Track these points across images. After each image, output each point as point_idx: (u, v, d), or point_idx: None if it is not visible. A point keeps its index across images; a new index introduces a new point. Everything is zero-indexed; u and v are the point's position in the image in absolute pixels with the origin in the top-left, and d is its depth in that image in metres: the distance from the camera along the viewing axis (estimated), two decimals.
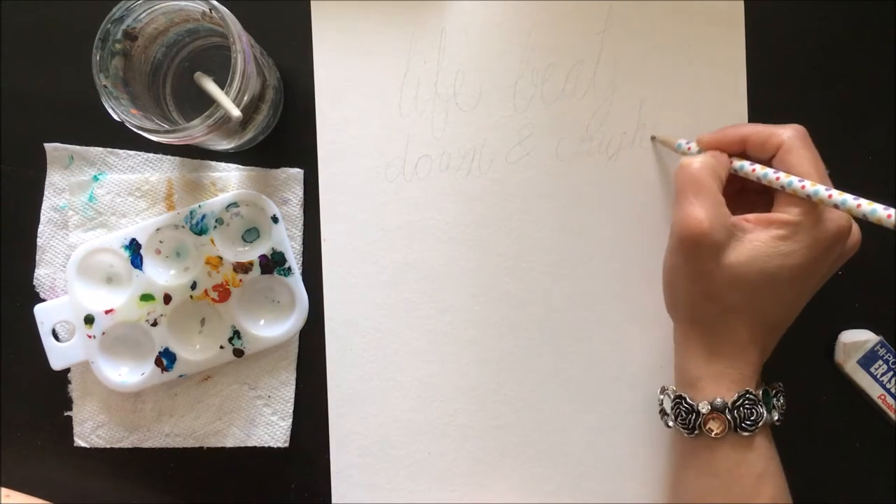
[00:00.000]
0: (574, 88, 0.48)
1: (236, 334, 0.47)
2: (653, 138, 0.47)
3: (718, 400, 0.39)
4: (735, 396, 0.39)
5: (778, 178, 0.38)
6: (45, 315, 0.47)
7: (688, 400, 0.40)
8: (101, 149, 0.48)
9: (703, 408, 0.39)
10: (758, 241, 0.38)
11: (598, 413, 0.48)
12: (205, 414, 0.48)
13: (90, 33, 0.39)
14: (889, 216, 0.34)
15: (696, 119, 0.48)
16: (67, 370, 0.48)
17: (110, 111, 0.39)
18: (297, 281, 0.47)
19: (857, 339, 0.47)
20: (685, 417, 0.40)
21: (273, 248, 0.47)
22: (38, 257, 0.48)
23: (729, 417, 0.39)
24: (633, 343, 0.48)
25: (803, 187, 0.37)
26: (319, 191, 0.48)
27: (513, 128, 0.48)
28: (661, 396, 0.43)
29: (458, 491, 0.48)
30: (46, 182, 0.48)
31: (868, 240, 0.48)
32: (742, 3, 0.48)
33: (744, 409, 0.39)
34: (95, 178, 0.48)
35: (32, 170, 0.48)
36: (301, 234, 0.48)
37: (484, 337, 0.48)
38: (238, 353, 0.47)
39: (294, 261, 0.47)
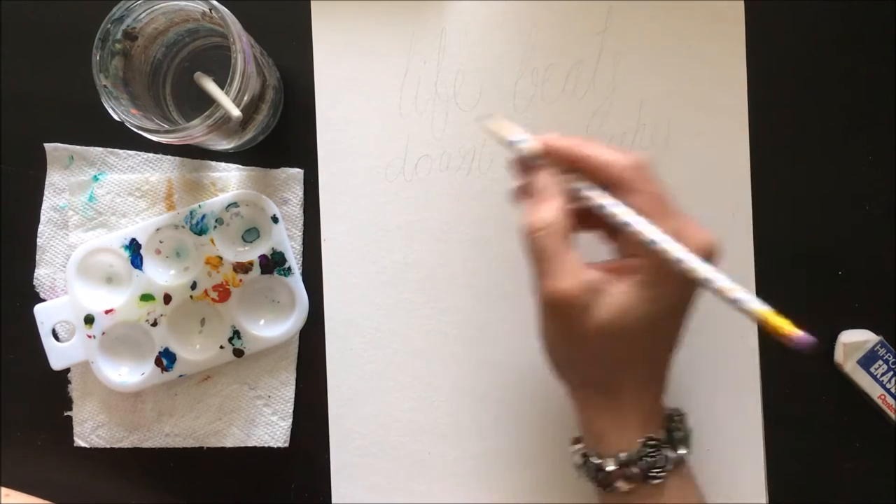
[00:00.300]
0: (574, 88, 0.48)
1: (236, 334, 0.47)
2: (482, 122, 0.40)
3: (623, 455, 0.38)
4: (639, 447, 0.38)
5: (621, 215, 0.36)
6: (45, 315, 0.47)
7: (593, 459, 0.39)
8: (101, 149, 0.48)
9: (610, 466, 0.38)
10: (622, 293, 0.36)
11: None
12: (205, 414, 0.48)
13: (90, 33, 0.39)
14: (707, 281, 0.33)
15: (696, 119, 0.48)
16: (67, 370, 0.48)
17: (110, 111, 0.39)
18: (297, 281, 0.47)
19: (856, 339, 0.47)
20: (595, 475, 0.39)
21: (273, 248, 0.47)
22: (38, 257, 0.48)
23: (636, 470, 0.38)
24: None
25: (645, 233, 0.35)
26: (319, 191, 0.48)
27: None
28: (571, 449, 0.42)
29: (458, 491, 0.48)
30: (46, 182, 0.48)
31: (868, 240, 0.48)
32: (742, 3, 0.48)
33: (649, 458, 0.38)
34: (95, 178, 0.48)
35: (32, 170, 0.48)
36: (301, 234, 0.48)
37: (484, 337, 0.48)
38: (238, 353, 0.47)
39: (294, 261, 0.47)
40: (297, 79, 0.48)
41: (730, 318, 0.47)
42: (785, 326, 0.31)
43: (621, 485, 0.38)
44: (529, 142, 0.38)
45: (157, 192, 0.48)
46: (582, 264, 0.37)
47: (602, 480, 0.39)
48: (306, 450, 0.49)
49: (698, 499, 0.40)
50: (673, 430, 0.40)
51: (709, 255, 0.36)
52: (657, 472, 0.38)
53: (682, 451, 0.39)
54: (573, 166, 0.38)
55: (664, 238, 0.35)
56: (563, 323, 0.38)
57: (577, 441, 0.42)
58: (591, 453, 0.40)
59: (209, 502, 0.49)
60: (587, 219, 0.39)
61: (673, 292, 0.37)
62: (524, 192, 0.40)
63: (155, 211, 0.48)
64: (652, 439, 0.38)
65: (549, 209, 0.37)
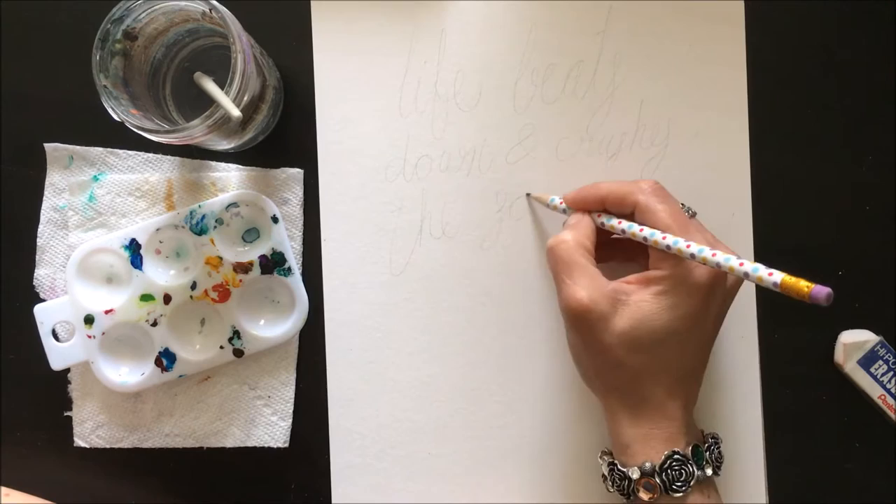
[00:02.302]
0: (574, 88, 0.48)
1: (236, 334, 0.47)
2: (528, 195, 0.48)
3: (647, 464, 0.39)
4: (662, 458, 0.39)
5: (642, 230, 0.39)
6: (45, 315, 0.47)
7: (619, 467, 0.40)
8: (101, 149, 0.48)
9: (634, 474, 0.39)
10: (642, 301, 0.38)
11: (598, 413, 0.48)
12: (205, 414, 0.48)
13: (90, 33, 0.39)
14: (741, 265, 0.34)
15: (696, 119, 0.48)
16: (67, 370, 0.48)
17: (110, 111, 0.39)
18: (297, 281, 0.47)
19: (857, 340, 0.47)
20: (619, 483, 0.40)
21: (273, 248, 0.47)
22: (38, 257, 0.48)
23: (658, 481, 0.38)
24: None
25: (664, 238, 0.38)
26: (319, 191, 0.48)
27: (513, 128, 0.48)
28: (600, 461, 0.43)
29: (458, 491, 0.48)
30: (46, 182, 0.48)
31: (868, 240, 0.48)
32: (742, 3, 0.48)
33: (672, 470, 0.38)
34: (95, 178, 0.48)
35: (32, 170, 0.48)
36: (301, 234, 0.48)
37: (484, 337, 0.48)
38: (238, 353, 0.47)
39: (294, 261, 0.47)
40: (297, 79, 0.48)
41: (730, 318, 0.48)
42: (800, 284, 0.31)
43: (642, 494, 0.39)
44: (559, 199, 0.44)
45: (157, 192, 0.48)
46: (601, 276, 0.40)
47: (625, 489, 0.40)
48: (306, 450, 0.49)
49: None
50: (704, 450, 0.40)
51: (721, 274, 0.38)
52: (679, 486, 0.38)
53: (708, 472, 0.40)
54: (601, 206, 0.42)
55: (679, 239, 0.37)
56: (583, 331, 0.39)
57: (605, 454, 0.43)
58: (617, 461, 0.41)
59: (209, 502, 0.49)
60: (615, 252, 0.44)
61: (692, 300, 0.38)
62: None
63: (155, 211, 0.48)
64: (677, 454, 0.39)
65: (572, 229, 0.41)
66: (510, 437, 0.48)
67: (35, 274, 0.48)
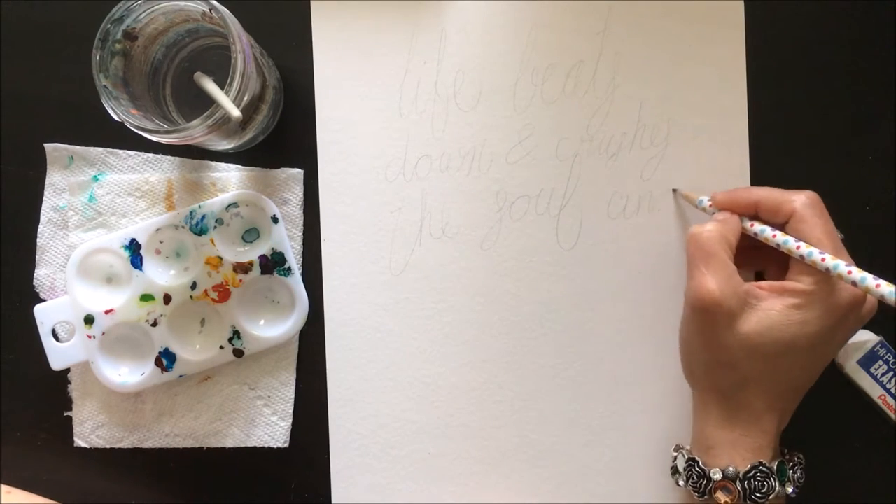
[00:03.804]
0: (574, 88, 0.48)
1: (236, 334, 0.47)
2: (675, 191, 0.47)
3: (731, 469, 0.39)
4: (748, 467, 0.38)
5: (798, 248, 0.38)
6: (45, 315, 0.47)
7: (700, 464, 0.40)
8: (101, 149, 0.48)
9: (715, 475, 0.39)
10: (772, 310, 0.38)
11: (598, 413, 0.48)
12: (205, 414, 0.48)
13: (90, 33, 0.39)
14: (877, 286, 0.34)
15: (696, 119, 0.48)
16: (67, 370, 0.48)
17: (110, 111, 0.39)
18: (297, 281, 0.47)
19: (857, 340, 0.47)
20: (696, 481, 0.40)
21: (273, 249, 0.47)
22: (38, 257, 0.48)
23: (739, 488, 0.38)
24: (632, 343, 0.48)
25: (823, 260, 0.37)
26: (319, 191, 0.48)
27: (513, 128, 0.48)
28: (675, 454, 0.43)
29: (458, 491, 0.48)
30: (46, 182, 0.48)
31: (868, 240, 0.48)
32: (742, 3, 0.48)
33: (755, 480, 0.38)
34: (95, 178, 0.48)
35: (32, 170, 0.48)
36: (301, 234, 0.48)
37: (484, 337, 0.48)
38: (238, 353, 0.47)
39: (294, 261, 0.47)
40: (297, 79, 0.48)
41: None
42: None
43: (720, 496, 0.39)
44: (707, 201, 0.44)
45: (157, 193, 0.48)
46: (738, 274, 0.39)
47: (702, 487, 0.39)
48: (306, 450, 0.49)
49: None
50: (788, 468, 0.40)
51: (861, 304, 0.38)
52: (759, 497, 0.38)
53: (788, 490, 0.40)
54: (752, 211, 0.41)
55: (840, 263, 0.36)
56: (705, 325, 0.39)
57: (681, 448, 0.43)
58: (699, 459, 0.40)
59: (209, 502, 0.49)
60: (746, 260, 0.42)
61: (826, 321, 0.38)
62: None
63: (155, 211, 0.48)
64: (763, 466, 0.39)
65: (716, 223, 0.40)
66: (510, 437, 0.48)
67: (35, 274, 0.48)
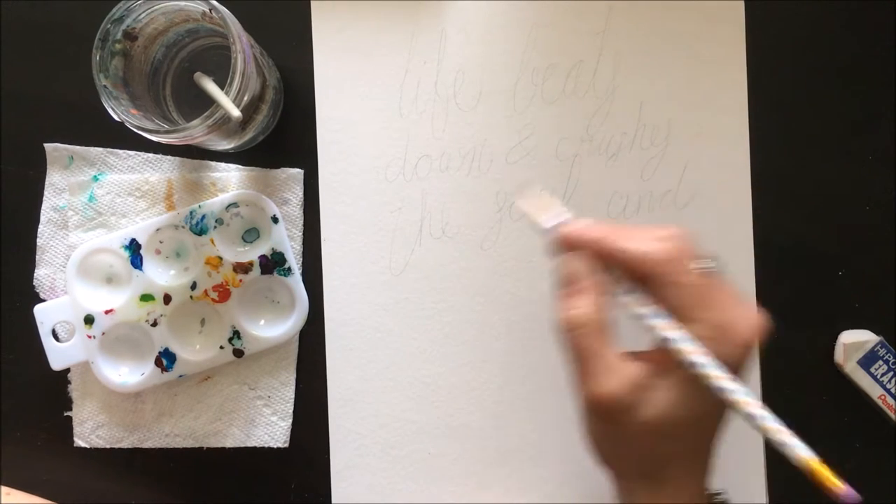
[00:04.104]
0: (574, 88, 0.48)
1: (236, 334, 0.47)
2: (518, 199, 0.42)
3: None
4: None
5: (661, 331, 0.34)
6: (45, 315, 0.47)
7: None
8: (101, 149, 0.48)
9: None
10: (669, 389, 0.34)
11: None
12: (205, 414, 0.48)
13: (90, 33, 0.39)
14: (755, 418, 0.32)
15: (696, 119, 0.48)
16: (67, 370, 0.48)
17: (110, 111, 0.39)
18: (297, 281, 0.47)
19: (857, 340, 0.47)
20: None
21: (273, 249, 0.47)
22: (38, 257, 0.48)
23: None
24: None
25: (689, 353, 0.33)
26: (319, 191, 0.48)
27: (513, 128, 0.48)
28: None
29: (458, 491, 0.48)
30: (46, 182, 0.48)
31: (868, 240, 0.48)
32: (742, 3, 0.48)
33: None
34: (95, 179, 0.48)
35: (32, 170, 0.48)
36: (301, 234, 0.48)
37: (484, 337, 0.48)
38: (238, 353, 0.47)
39: (294, 261, 0.47)
40: (297, 79, 0.48)
41: None
42: (830, 478, 0.30)
43: None
44: (563, 221, 0.37)
45: (157, 193, 0.48)
46: (623, 360, 0.35)
47: None
48: (306, 450, 0.49)
49: None
50: None
51: (751, 346, 0.34)
52: None
53: None
54: (607, 260, 0.36)
55: (700, 359, 0.33)
56: (608, 423, 0.36)
57: None
58: None
59: (209, 502, 0.49)
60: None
61: None
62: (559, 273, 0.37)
63: (155, 211, 0.48)
64: None
65: (584, 305, 0.35)
66: (510, 437, 0.48)
67: (35, 274, 0.48)
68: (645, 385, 0.35)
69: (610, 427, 0.36)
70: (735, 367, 0.34)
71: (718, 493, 0.42)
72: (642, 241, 0.35)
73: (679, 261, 0.34)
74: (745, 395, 0.32)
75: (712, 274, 0.35)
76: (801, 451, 0.31)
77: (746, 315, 0.34)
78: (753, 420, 0.32)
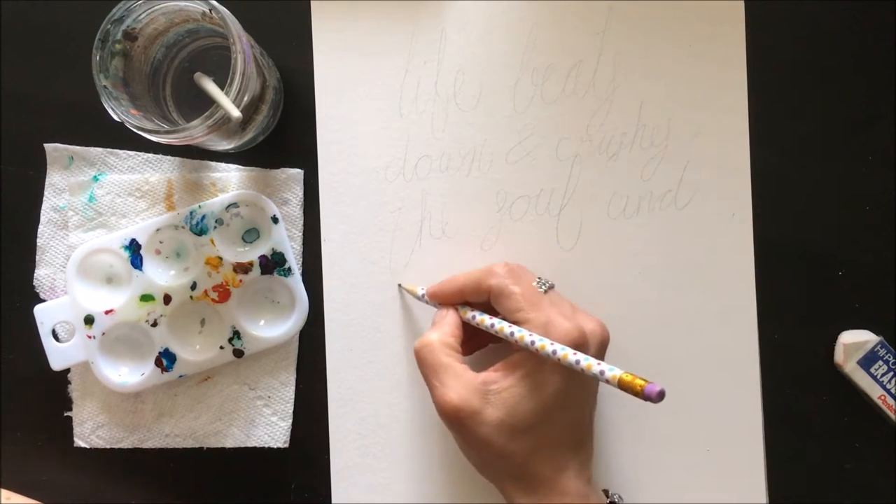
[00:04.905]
0: (574, 88, 0.48)
1: (236, 335, 0.47)
2: (399, 286, 0.48)
3: None
4: None
5: (502, 329, 0.40)
6: (45, 315, 0.47)
7: None
8: (101, 149, 0.48)
9: None
10: (510, 388, 0.39)
11: (598, 412, 0.48)
12: (205, 414, 0.48)
13: (90, 33, 0.39)
14: (577, 363, 0.36)
15: (696, 119, 0.48)
16: (67, 370, 0.48)
17: (110, 111, 0.39)
18: (297, 281, 0.47)
19: (857, 340, 0.47)
20: None
21: (273, 249, 0.47)
22: (38, 257, 0.48)
23: None
24: (631, 341, 0.48)
25: (522, 338, 0.39)
26: (319, 191, 0.48)
27: (513, 128, 0.48)
28: None
29: (458, 491, 0.48)
30: (46, 182, 0.48)
31: (868, 240, 0.48)
32: (742, 3, 0.48)
33: None
34: (95, 179, 0.48)
35: (32, 170, 0.48)
36: (301, 234, 0.48)
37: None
38: (238, 353, 0.47)
39: (294, 261, 0.47)
40: (297, 79, 0.48)
41: (730, 318, 0.48)
42: (635, 382, 0.34)
43: None
44: (426, 292, 0.45)
45: (157, 193, 0.48)
46: (468, 372, 0.40)
47: None
48: (306, 450, 0.49)
49: None
50: None
51: (579, 341, 0.39)
52: None
53: None
54: (462, 299, 0.44)
55: (533, 336, 0.39)
56: (461, 430, 0.40)
57: None
58: None
59: (209, 502, 0.49)
60: (488, 337, 0.44)
61: (556, 377, 0.39)
62: None
63: (155, 211, 0.48)
64: None
65: (434, 331, 0.42)
66: None
67: (35, 274, 0.48)
68: (489, 390, 0.39)
69: (465, 433, 0.40)
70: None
71: (613, 494, 0.44)
72: (481, 269, 0.43)
73: (513, 273, 0.42)
74: (562, 349, 0.37)
75: (548, 290, 0.42)
76: (613, 371, 0.35)
77: (564, 321, 0.39)
78: (578, 365, 0.37)
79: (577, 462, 0.40)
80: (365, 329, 0.48)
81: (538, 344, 0.38)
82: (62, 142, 0.48)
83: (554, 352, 0.37)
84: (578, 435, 0.41)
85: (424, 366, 0.41)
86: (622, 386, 0.34)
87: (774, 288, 0.48)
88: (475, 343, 0.46)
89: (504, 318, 0.41)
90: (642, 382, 0.33)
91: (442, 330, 0.42)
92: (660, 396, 0.33)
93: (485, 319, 0.42)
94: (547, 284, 0.43)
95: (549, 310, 0.40)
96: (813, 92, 0.48)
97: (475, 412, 0.39)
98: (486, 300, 0.42)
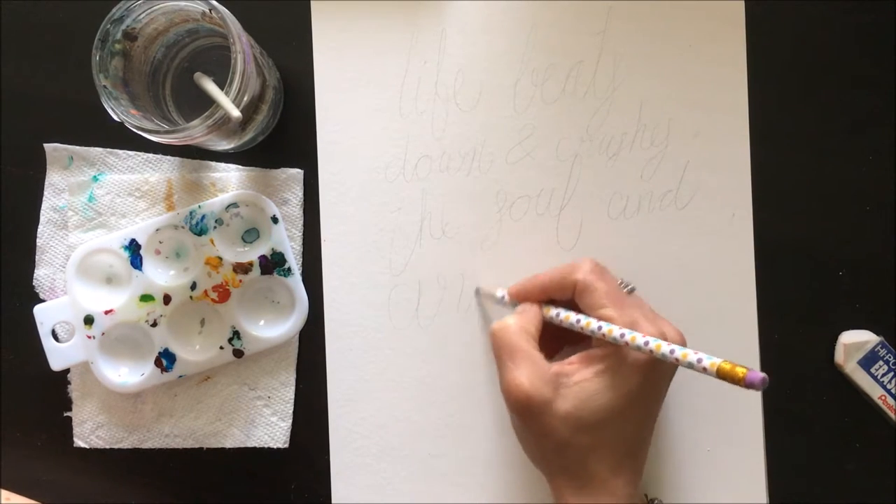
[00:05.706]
0: (574, 88, 0.48)
1: (236, 335, 0.47)
2: (477, 290, 0.48)
3: None
4: None
5: (588, 324, 0.40)
6: (45, 315, 0.47)
7: None
8: (100, 149, 0.48)
9: None
10: (584, 381, 0.39)
11: None
12: (204, 414, 0.48)
13: (90, 33, 0.39)
14: (672, 352, 0.36)
15: (696, 119, 0.48)
16: (67, 370, 0.48)
17: (110, 111, 0.39)
18: (296, 281, 0.47)
19: (857, 340, 0.47)
20: None
21: (273, 249, 0.47)
22: (37, 258, 0.48)
23: None
24: None
25: (609, 332, 0.38)
26: (319, 191, 0.48)
27: (513, 128, 0.48)
28: None
29: (458, 491, 0.48)
30: (46, 182, 0.48)
31: (868, 240, 0.48)
32: (742, 3, 0.48)
33: None
34: (95, 179, 0.48)
35: (32, 170, 0.48)
36: (301, 234, 0.48)
37: (483, 337, 0.48)
38: (238, 353, 0.47)
39: (294, 261, 0.47)
40: (297, 79, 0.48)
41: (730, 318, 0.48)
42: (738, 371, 0.33)
43: None
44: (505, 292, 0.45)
45: (156, 193, 0.48)
46: (543, 360, 0.40)
47: None
48: (306, 450, 0.49)
49: None
50: None
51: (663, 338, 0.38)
52: None
53: None
54: (545, 296, 0.43)
55: (623, 329, 0.38)
56: (527, 418, 0.39)
57: None
58: None
59: (209, 502, 0.49)
60: (565, 340, 0.44)
61: (633, 379, 0.39)
62: None
63: (155, 211, 0.48)
64: None
65: (517, 315, 0.42)
66: (510, 438, 0.48)
67: (35, 274, 0.48)
68: (562, 381, 0.39)
69: (529, 421, 0.39)
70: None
71: (654, 500, 0.44)
72: (565, 265, 0.42)
73: (598, 270, 0.41)
74: (655, 340, 0.37)
75: (630, 293, 0.43)
76: (711, 360, 0.34)
77: (650, 322, 0.39)
78: (672, 355, 0.36)
79: (632, 468, 0.40)
80: (365, 329, 0.48)
81: (628, 336, 0.37)
82: (62, 142, 0.48)
83: (647, 342, 0.37)
84: (639, 441, 0.41)
85: (500, 347, 0.41)
86: (721, 375, 0.33)
87: (774, 288, 0.48)
88: (551, 349, 0.44)
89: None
90: (743, 370, 0.32)
91: (523, 317, 0.42)
92: (763, 383, 0.32)
93: (570, 316, 0.41)
94: (629, 286, 0.43)
95: (633, 310, 0.40)
96: (813, 92, 0.48)
97: (546, 401, 0.38)
98: (570, 297, 0.42)
